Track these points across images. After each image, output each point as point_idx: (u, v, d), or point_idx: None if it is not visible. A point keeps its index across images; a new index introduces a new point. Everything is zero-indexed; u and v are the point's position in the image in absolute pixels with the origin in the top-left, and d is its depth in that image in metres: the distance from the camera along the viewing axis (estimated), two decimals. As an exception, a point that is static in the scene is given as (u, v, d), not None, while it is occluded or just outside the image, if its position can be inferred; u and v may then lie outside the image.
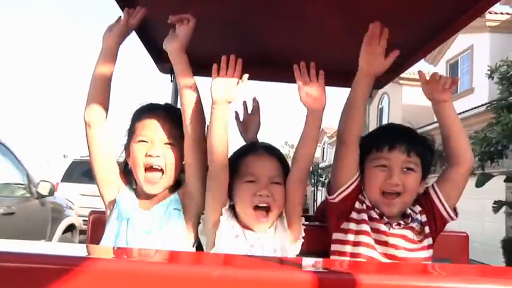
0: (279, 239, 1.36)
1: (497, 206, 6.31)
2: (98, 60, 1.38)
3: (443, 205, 1.44)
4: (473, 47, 10.96)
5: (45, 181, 4.63)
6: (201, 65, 1.41)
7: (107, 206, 1.44)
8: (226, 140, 1.29)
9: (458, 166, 1.42)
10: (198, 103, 1.33)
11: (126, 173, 1.47)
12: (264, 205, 1.33)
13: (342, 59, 1.64)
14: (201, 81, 1.39)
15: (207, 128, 1.32)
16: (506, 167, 6.73)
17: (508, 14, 9.68)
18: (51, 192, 4.63)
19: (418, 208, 1.46)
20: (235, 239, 1.34)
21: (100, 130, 1.38)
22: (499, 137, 5.64)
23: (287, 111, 71.94)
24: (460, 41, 11.18)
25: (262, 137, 2.06)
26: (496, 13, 9.98)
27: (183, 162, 1.40)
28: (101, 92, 1.38)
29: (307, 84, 1.29)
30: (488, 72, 6.46)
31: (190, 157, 1.35)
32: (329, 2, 1.36)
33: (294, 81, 1.34)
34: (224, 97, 1.28)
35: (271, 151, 1.43)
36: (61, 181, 8.04)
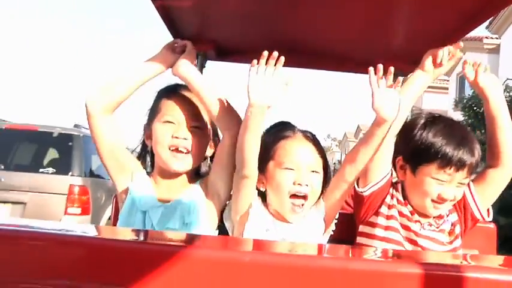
0: (311, 230, 1.32)
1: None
2: (147, 60, 1.36)
3: (477, 206, 1.40)
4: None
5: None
6: (231, 51, 1.39)
7: (119, 195, 1.39)
8: (258, 145, 1.20)
9: (501, 167, 1.35)
10: (225, 103, 1.29)
11: (143, 156, 1.43)
12: (302, 194, 1.26)
13: (368, 46, 1.67)
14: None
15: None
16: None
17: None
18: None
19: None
20: (266, 233, 1.29)
21: (103, 120, 1.31)
22: None
23: (330, 104, 72.61)
24: (467, 57, 12.94)
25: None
26: (491, 38, 11.93)
27: (209, 155, 1.41)
28: (127, 87, 1.33)
29: (383, 91, 1.18)
30: (455, 103, 8.59)
31: (226, 158, 1.30)
32: None
33: (320, 68, 1.49)
34: (263, 100, 1.15)
35: (311, 138, 1.33)
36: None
